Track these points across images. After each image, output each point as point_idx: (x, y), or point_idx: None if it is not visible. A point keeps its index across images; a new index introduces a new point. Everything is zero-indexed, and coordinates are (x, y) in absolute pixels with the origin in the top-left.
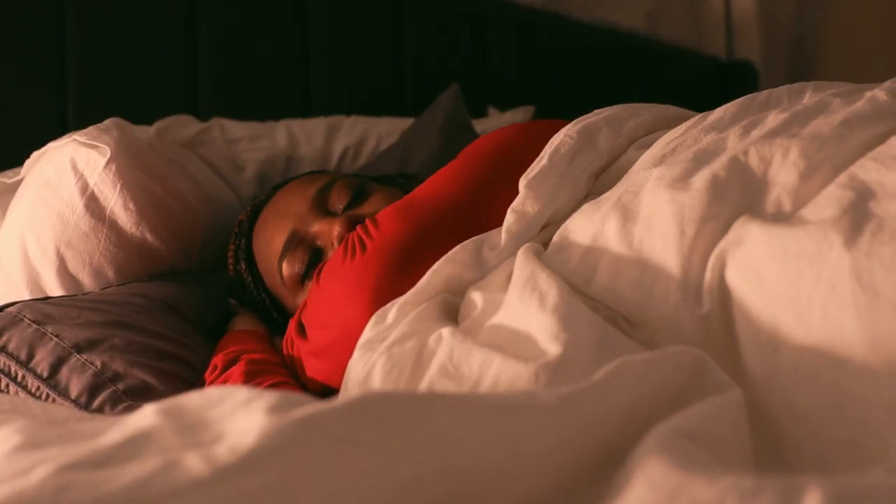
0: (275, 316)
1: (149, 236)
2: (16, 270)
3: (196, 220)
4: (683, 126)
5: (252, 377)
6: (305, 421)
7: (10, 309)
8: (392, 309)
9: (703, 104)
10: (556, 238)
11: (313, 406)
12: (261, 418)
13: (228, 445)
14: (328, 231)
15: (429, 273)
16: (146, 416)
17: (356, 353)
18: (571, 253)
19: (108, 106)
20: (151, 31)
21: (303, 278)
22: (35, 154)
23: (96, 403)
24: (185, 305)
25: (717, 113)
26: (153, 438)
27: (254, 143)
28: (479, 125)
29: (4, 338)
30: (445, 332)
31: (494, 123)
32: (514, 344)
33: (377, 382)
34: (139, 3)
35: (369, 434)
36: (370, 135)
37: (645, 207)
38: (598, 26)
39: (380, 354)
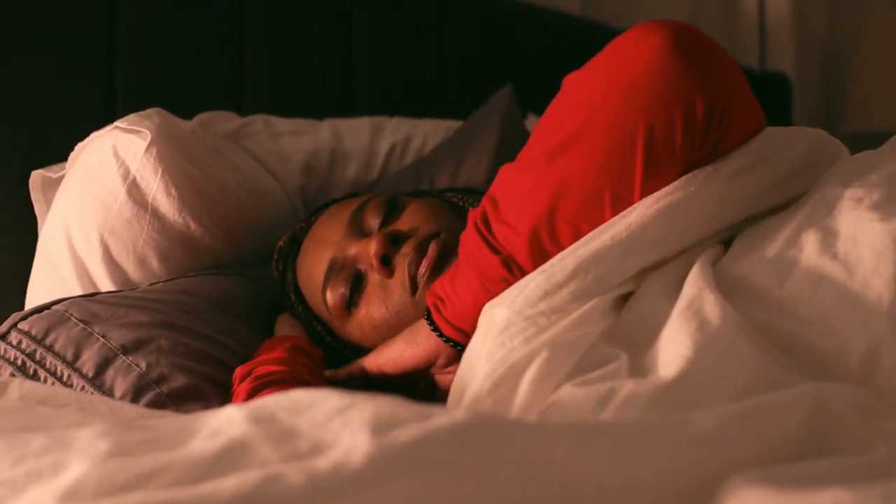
0: (328, 340)
1: (192, 223)
2: (62, 260)
3: (240, 208)
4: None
5: (253, 395)
6: (414, 447)
7: (57, 307)
8: (565, 279)
9: None
10: (737, 243)
11: (419, 427)
12: (365, 438)
13: (332, 462)
14: (365, 252)
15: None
16: (235, 422)
17: (515, 319)
18: (761, 254)
19: (156, 104)
20: (201, 29)
21: (349, 305)
22: (79, 145)
23: (140, 406)
24: (235, 303)
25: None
26: (248, 449)
27: (298, 136)
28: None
29: (52, 337)
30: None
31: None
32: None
33: (532, 380)
34: (190, 3)
35: (477, 464)
36: (416, 133)
37: (846, 227)
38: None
39: (544, 346)
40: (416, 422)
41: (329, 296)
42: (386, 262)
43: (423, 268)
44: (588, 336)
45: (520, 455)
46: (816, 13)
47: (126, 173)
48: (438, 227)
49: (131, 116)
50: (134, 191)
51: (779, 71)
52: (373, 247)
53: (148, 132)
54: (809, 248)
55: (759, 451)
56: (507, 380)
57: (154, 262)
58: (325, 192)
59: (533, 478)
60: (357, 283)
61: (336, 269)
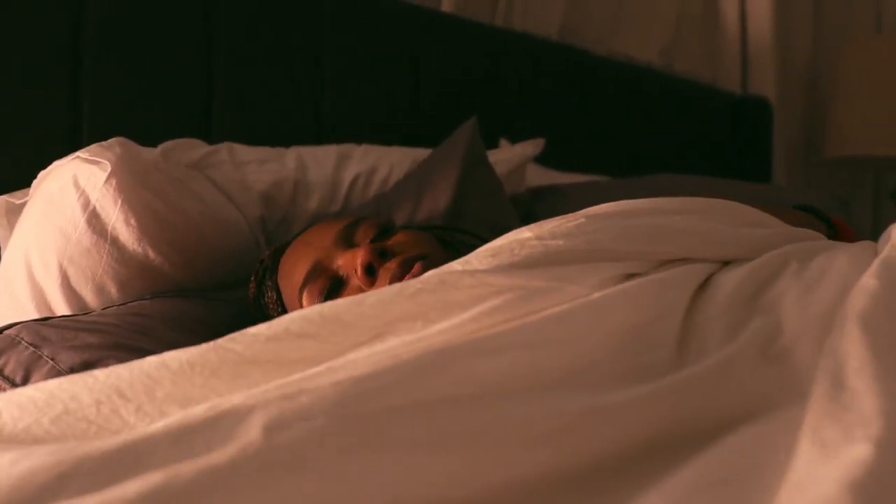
0: None
1: (151, 253)
2: (21, 287)
3: (202, 238)
4: None
5: None
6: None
7: (9, 331)
8: None
9: (717, 138)
10: None
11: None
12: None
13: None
14: (352, 260)
15: None
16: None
17: None
18: None
19: (123, 130)
20: (168, 57)
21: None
22: (42, 173)
23: None
24: (191, 322)
25: None
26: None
27: (262, 165)
28: (495, 156)
29: (2, 360)
30: None
31: (506, 156)
32: None
33: None
34: (156, 28)
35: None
36: (381, 164)
37: None
38: (612, 59)
39: None
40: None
41: (306, 295)
42: (370, 272)
43: (409, 274)
44: None
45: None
46: (799, 38)
47: (86, 203)
48: (426, 252)
49: (93, 147)
50: (94, 220)
51: (760, 96)
52: (360, 255)
53: (108, 163)
54: None
55: None
56: None
57: (113, 291)
58: (287, 223)
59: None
60: (336, 287)
61: (318, 271)
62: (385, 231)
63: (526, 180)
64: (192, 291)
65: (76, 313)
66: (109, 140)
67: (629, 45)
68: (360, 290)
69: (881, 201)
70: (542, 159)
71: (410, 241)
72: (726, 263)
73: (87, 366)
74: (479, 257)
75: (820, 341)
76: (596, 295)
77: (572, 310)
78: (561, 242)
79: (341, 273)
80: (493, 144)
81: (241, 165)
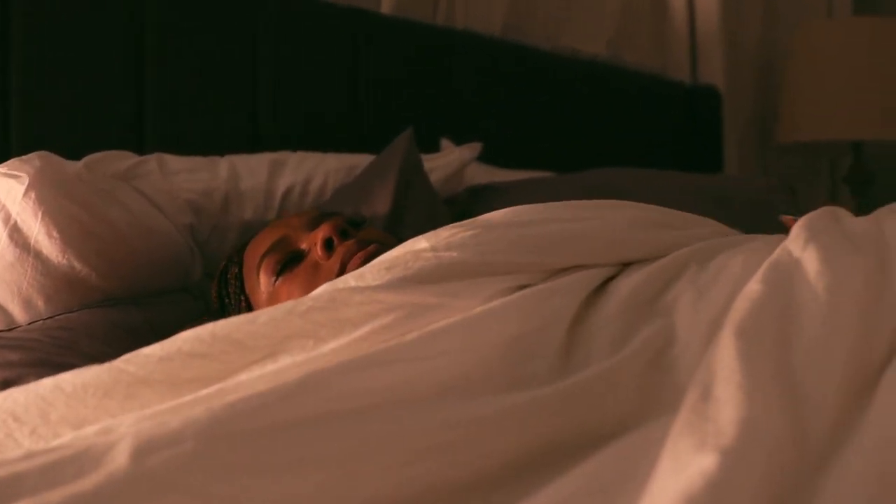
0: None
1: (77, 264)
2: None
3: (130, 248)
4: None
5: None
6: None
7: None
8: None
9: (668, 128)
10: None
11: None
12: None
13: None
14: (314, 235)
15: None
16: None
17: None
18: None
19: (51, 145)
20: (97, 65)
21: (278, 272)
22: None
23: None
24: (120, 331)
25: None
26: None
27: (193, 175)
28: (433, 161)
29: None
30: None
31: (444, 161)
32: None
33: None
34: (85, 37)
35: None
36: (317, 173)
37: None
38: (560, 54)
39: None
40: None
41: (264, 265)
42: (328, 246)
43: (357, 259)
44: None
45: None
46: (749, 24)
47: (7, 217)
48: (386, 242)
49: (12, 161)
50: (15, 234)
51: (710, 84)
52: (322, 229)
53: (26, 176)
54: None
55: None
56: None
57: (40, 304)
58: (220, 232)
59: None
60: (294, 257)
61: (281, 244)
62: (354, 224)
63: (471, 179)
64: (123, 300)
65: (1, 329)
66: (30, 154)
67: (576, 39)
68: (316, 267)
69: (837, 186)
70: (489, 158)
71: (377, 235)
72: (629, 265)
73: (6, 384)
74: (373, 270)
75: (706, 349)
76: (478, 309)
77: (455, 324)
78: (454, 254)
79: (303, 246)
80: (437, 145)
81: (171, 175)
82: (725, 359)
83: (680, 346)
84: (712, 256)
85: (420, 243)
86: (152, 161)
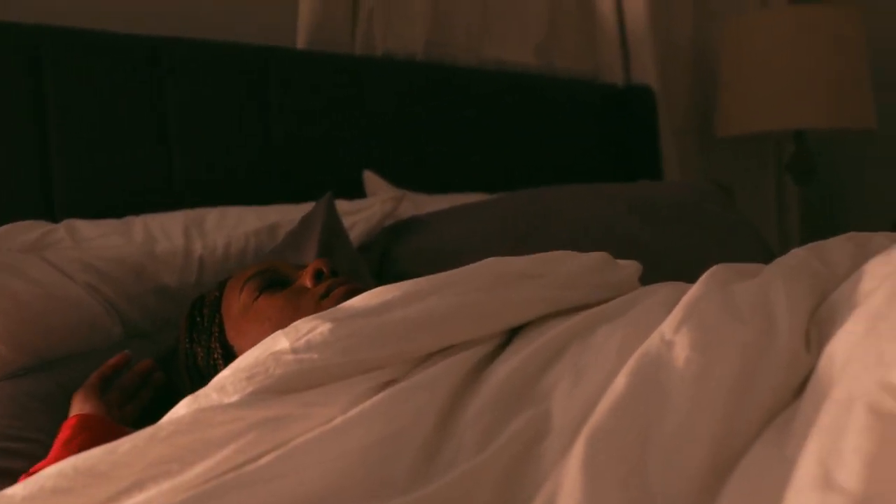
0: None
1: None
2: None
3: (37, 320)
4: None
5: None
6: None
7: None
8: None
9: (604, 132)
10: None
11: None
12: None
13: None
14: (305, 271)
15: None
16: None
17: None
18: None
19: None
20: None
21: (262, 288)
22: None
23: None
24: (28, 400)
25: None
26: None
27: (105, 240)
28: (354, 216)
29: None
30: None
31: (366, 214)
32: None
33: None
34: None
35: None
36: (236, 235)
37: None
38: (484, 68)
39: None
40: None
41: (250, 282)
42: (318, 276)
43: (341, 291)
44: None
45: None
46: (679, 19)
47: None
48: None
49: None
50: None
51: (643, 84)
52: (316, 262)
53: None
54: None
55: None
56: None
57: None
58: (136, 300)
59: None
60: (280, 281)
61: (270, 271)
62: (335, 272)
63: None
64: (34, 368)
65: None
66: None
67: (503, 49)
68: (300, 290)
69: (783, 176)
70: (416, 184)
71: (353, 279)
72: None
73: None
74: (235, 381)
75: (573, 444)
76: (339, 419)
77: (314, 438)
78: (315, 356)
79: (291, 278)
80: (360, 178)
81: (83, 243)
82: (572, 469)
83: (552, 438)
84: (593, 331)
85: (280, 342)
86: (61, 229)
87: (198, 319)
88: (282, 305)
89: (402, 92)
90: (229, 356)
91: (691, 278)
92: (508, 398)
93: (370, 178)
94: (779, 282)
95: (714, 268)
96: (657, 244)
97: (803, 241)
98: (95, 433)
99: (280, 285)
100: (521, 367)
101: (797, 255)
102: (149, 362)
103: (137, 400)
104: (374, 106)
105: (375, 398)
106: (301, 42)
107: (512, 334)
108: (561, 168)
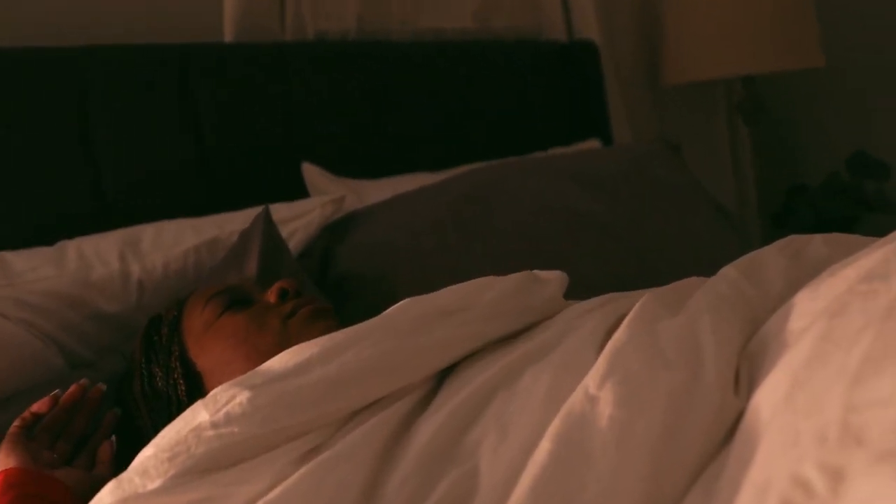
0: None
1: None
2: None
3: None
4: None
5: None
6: None
7: None
8: None
9: (550, 91)
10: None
11: None
12: None
13: None
14: (268, 290)
15: None
16: None
17: None
18: None
19: None
20: None
21: (226, 307)
22: None
23: None
24: None
25: None
26: None
27: (37, 273)
28: (293, 223)
29: None
30: None
31: (306, 221)
32: None
33: None
34: None
35: None
36: (174, 254)
37: None
38: (420, 41)
39: None
40: None
41: (214, 299)
42: (283, 295)
43: (308, 310)
44: None
45: None
46: None
47: None
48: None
49: None
50: None
51: (586, 39)
52: (281, 282)
53: None
54: None
55: None
56: None
57: None
58: (79, 328)
59: None
60: (244, 300)
61: (235, 289)
62: (299, 292)
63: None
64: None
65: None
66: None
67: (440, 17)
68: (266, 308)
69: (734, 121)
70: (359, 168)
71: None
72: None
73: None
74: (157, 463)
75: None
76: (260, 502)
77: None
78: (235, 430)
79: (255, 297)
80: (298, 171)
81: (14, 278)
82: None
83: (480, 499)
84: (520, 375)
85: (200, 415)
86: None
87: (155, 339)
88: (246, 323)
89: (335, 74)
90: (189, 375)
91: (644, 249)
92: (434, 459)
93: (309, 170)
94: (706, 318)
95: (642, 301)
96: (607, 217)
97: (758, 186)
98: (23, 489)
99: (243, 304)
100: (446, 424)
101: (727, 277)
102: (73, 394)
103: (67, 434)
104: (307, 92)
105: (297, 474)
106: (228, 35)
107: (445, 374)
108: (509, 132)
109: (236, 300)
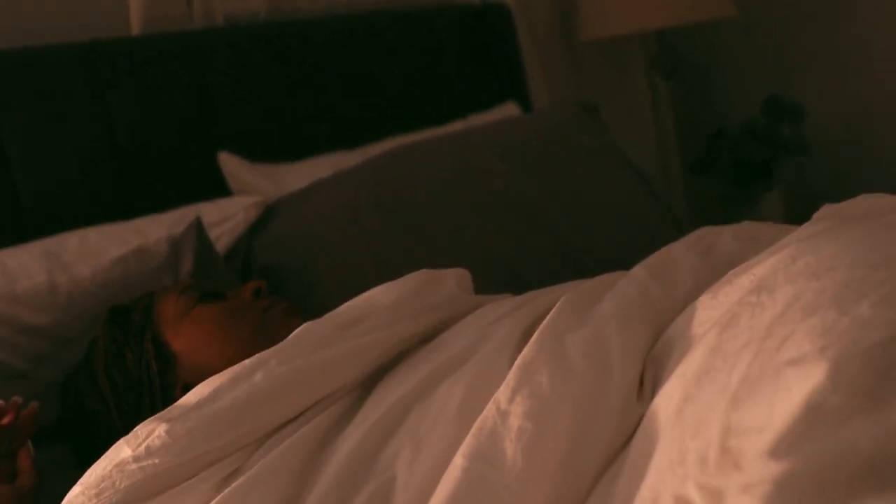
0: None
1: None
2: None
3: None
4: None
5: None
6: None
7: None
8: None
9: (466, 57)
10: None
11: None
12: None
13: None
14: (242, 289)
15: None
16: None
17: None
18: None
19: None
20: None
21: (202, 298)
22: None
23: None
24: None
25: None
26: None
27: None
28: (218, 227)
29: None
30: None
31: (231, 224)
32: None
33: None
34: None
35: None
36: (101, 264)
37: None
38: (332, 15)
39: None
40: None
41: (189, 291)
42: (257, 293)
43: (285, 305)
44: None
45: None
46: None
47: None
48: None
49: None
50: None
51: (498, 1)
52: (254, 282)
53: None
54: None
55: None
56: None
57: None
58: (9, 341)
59: None
60: (217, 295)
61: (204, 285)
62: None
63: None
64: None
65: None
66: None
67: None
68: (240, 303)
69: (652, 75)
70: (277, 153)
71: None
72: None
73: None
74: (84, 499)
75: None
76: None
77: None
78: (157, 461)
79: (229, 295)
80: (216, 160)
81: None
82: None
83: None
84: (436, 389)
85: (123, 451)
86: None
87: (123, 323)
88: (223, 313)
89: (248, 57)
90: (162, 356)
91: (560, 222)
92: (352, 474)
93: (226, 160)
94: (613, 325)
95: (553, 313)
96: (531, 193)
97: (680, 137)
98: None
99: (217, 297)
100: (364, 439)
101: (636, 278)
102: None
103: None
104: (220, 78)
105: (215, 501)
106: (136, 28)
107: (377, 381)
108: (428, 100)
109: (209, 294)
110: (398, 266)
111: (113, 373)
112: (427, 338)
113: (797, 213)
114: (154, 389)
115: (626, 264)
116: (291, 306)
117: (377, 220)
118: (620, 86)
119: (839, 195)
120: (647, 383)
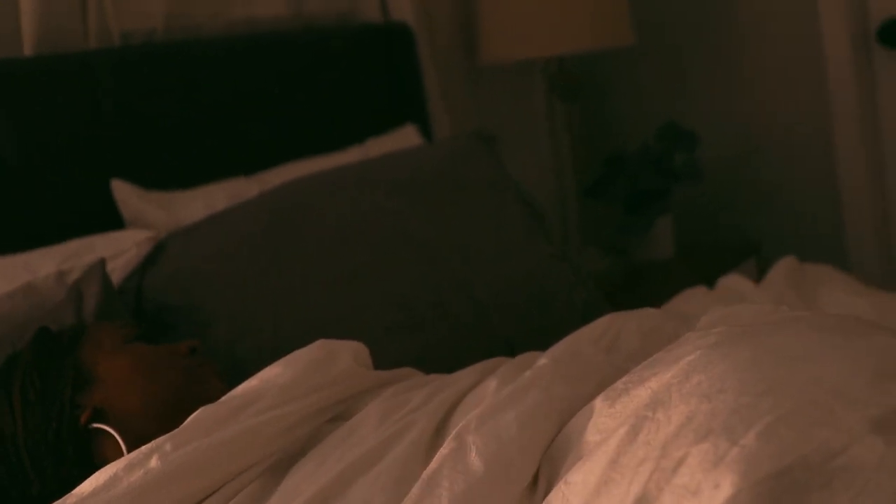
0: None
1: None
2: None
3: None
4: None
5: None
6: None
7: None
8: None
9: (365, 76)
10: None
11: None
12: None
13: None
14: (178, 344)
15: None
16: None
17: None
18: None
19: None
20: None
21: (135, 337)
22: None
23: None
24: None
25: None
26: None
27: None
28: (113, 261)
29: None
30: None
31: (122, 260)
32: None
33: None
34: None
35: None
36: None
37: None
38: (230, 34)
39: None
40: None
41: (125, 328)
42: (193, 351)
43: (216, 367)
44: None
45: None
46: None
47: None
48: None
49: None
50: None
51: (399, 21)
52: (191, 340)
53: None
54: None
55: None
56: None
57: None
58: None
59: None
60: (153, 340)
61: (140, 327)
62: None
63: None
64: None
65: None
66: None
67: (252, 5)
68: (173, 351)
69: (552, 99)
70: (172, 179)
71: None
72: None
73: None
74: None
75: None
76: None
77: None
78: None
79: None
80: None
81: None
82: None
83: None
84: (349, 487)
85: None
86: None
87: (49, 341)
88: (159, 355)
89: (143, 79)
90: (80, 377)
91: (454, 261)
92: None
93: (119, 187)
94: (514, 427)
95: (462, 425)
96: (421, 229)
97: (577, 162)
98: None
99: (152, 341)
100: None
101: (543, 376)
102: None
103: None
104: (115, 101)
105: None
106: (28, 48)
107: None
108: (327, 123)
109: (144, 336)
110: (294, 307)
111: (28, 389)
112: (333, 416)
113: (688, 236)
114: (63, 405)
115: (516, 299)
116: (222, 371)
117: (270, 259)
118: (520, 109)
119: (731, 219)
120: (541, 480)
